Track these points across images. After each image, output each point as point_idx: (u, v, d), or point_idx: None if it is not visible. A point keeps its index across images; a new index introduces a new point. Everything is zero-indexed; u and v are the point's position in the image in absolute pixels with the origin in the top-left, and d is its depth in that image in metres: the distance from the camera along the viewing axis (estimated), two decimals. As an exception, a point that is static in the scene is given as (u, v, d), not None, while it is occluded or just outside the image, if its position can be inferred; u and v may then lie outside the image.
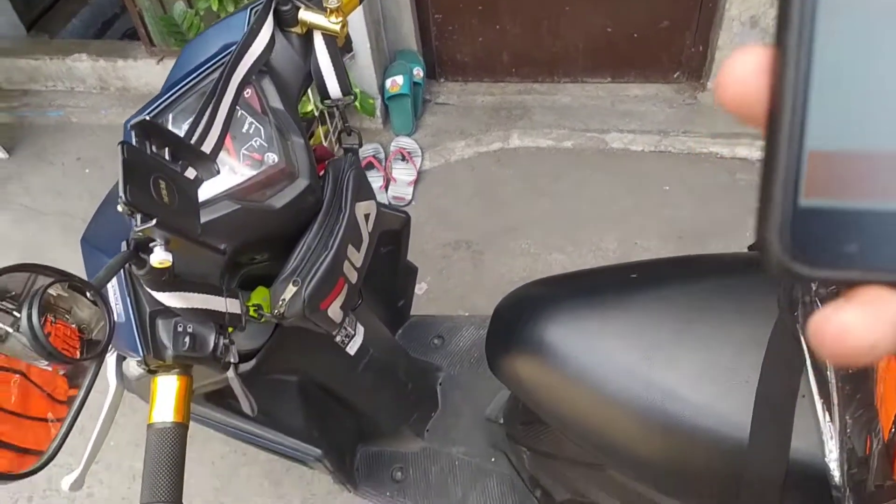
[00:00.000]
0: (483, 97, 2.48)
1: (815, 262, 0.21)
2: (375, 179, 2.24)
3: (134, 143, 0.57)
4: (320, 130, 2.01)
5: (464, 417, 1.40)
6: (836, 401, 0.73)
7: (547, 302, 0.96)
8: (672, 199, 2.10)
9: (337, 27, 0.81)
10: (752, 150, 2.14)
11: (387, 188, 2.23)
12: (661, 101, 2.34)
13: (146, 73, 2.57)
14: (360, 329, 1.14)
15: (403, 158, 2.27)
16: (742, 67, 0.22)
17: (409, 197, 2.22)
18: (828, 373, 0.76)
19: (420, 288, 1.96)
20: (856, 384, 0.72)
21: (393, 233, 1.24)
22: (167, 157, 0.60)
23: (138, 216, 0.54)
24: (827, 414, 0.74)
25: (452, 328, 1.54)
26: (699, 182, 2.13)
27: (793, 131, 0.20)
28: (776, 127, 0.21)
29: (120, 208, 0.54)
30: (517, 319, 0.97)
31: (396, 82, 2.27)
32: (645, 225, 2.04)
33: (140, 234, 0.56)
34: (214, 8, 2.02)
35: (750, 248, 1.04)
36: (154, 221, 0.53)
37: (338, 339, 1.09)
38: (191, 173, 0.63)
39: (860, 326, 0.20)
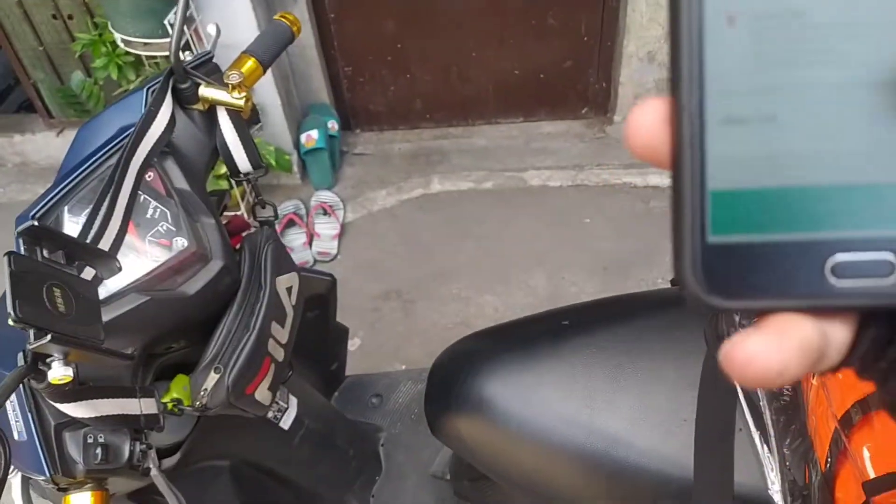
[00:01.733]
0: (400, 145, 2.48)
1: (728, 294, 0.22)
2: (298, 236, 2.19)
3: (23, 250, 0.53)
4: (237, 193, 1.96)
5: (409, 478, 1.36)
6: (772, 432, 0.75)
7: (482, 357, 0.94)
8: (593, 231, 2.15)
9: (241, 102, 0.78)
10: (663, 178, 2.22)
11: (311, 244, 2.19)
12: (572, 136, 2.41)
13: (46, 146, 2.45)
14: (293, 401, 1.10)
15: (325, 213, 2.24)
16: (645, 119, 0.23)
17: (335, 251, 2.18)
18: (761, 405, 0.77)
19: (353, 344, 1.92)
20: (789, 415, 0.73)
21: (320, 297, 1.21)
22: (62, 260, 0.55)
23: (31, 331, 0.49)
24: (765, 446, 0.75)
25: (390, 385, 1.50)
26: (617, 213, 2.19)
27: (694, 174, 0.22)
28: (680, 171, 0.22)
29: (10, 322, 0.50)
30: (454, 378, 0.95)
31: (311, 137, 2.25)
32: (570, 259, 2.07)
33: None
34: (115, 77, 1.95)
35: (672, 282, 1.06)
36: (49, 337, 0.49)
37: (269, 415, 1.04)
38: (89, 273, 0.59)
39: (767, 352, 0.21)
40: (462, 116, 2.48)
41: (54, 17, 2.16)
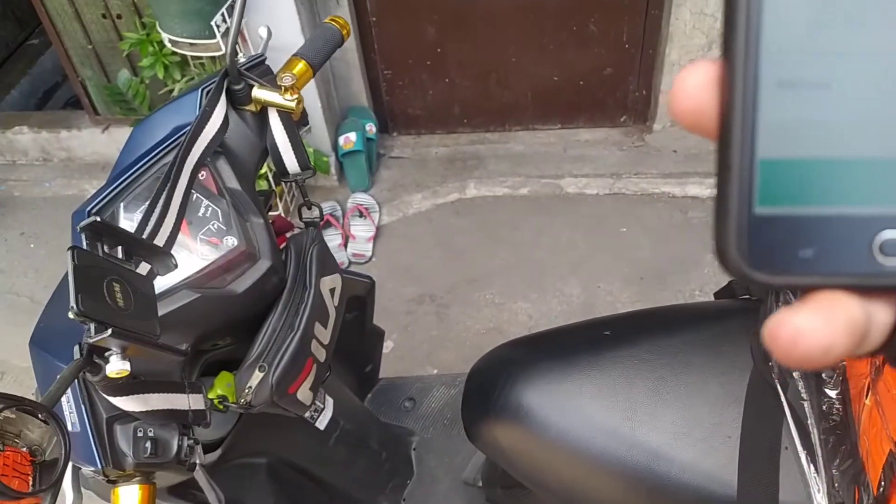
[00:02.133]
0: (437, 149, 2.49)
1: (772, 269, 0.21)
2: (334, 237, 2.21)
3: (84, 245, 0.54)
4: (277, 191, 1.98)
5: (441, 483, 1.36)
6: (819, 453, 0.73)
7: (522, 365, 0.94)
8: (630, 240, 2.13)
9: (293, 104, 0.79)
10: (703, 189, 2.19)
11: (346, 246, 2.21)
12: (610, 144, 2.39)
13: (91, 142, 2.51)
14: (330, 402, 1.10)
15: (361, 215, 2.26)
16: (693, 81, 0.22)
17: (370, 253, 2.19)
18: (808, 423, 0.76)
19: (387, 346, 1.92)
20: (838, 436, 0.72)
21: (358, 298, 1.21)
22: (120, 255, 0.57)
23: (92, 325, 0.51)
24: (812, 466, 0.74)
25: (423, 389, 1.50)
26: (654, 222, 2.16)
27: (744, 141, 0.21)
28: (727, 137, 0.21)
29: (71, 316, 0.51)
30: (493, 385, 0.95)
31: (350, 139, 2.26)
32: (606, 268, 2.06)
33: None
34: (160, 76, 1.99)
35: (716, 294, 1.05)
36: (110, 331, 0.50)
37: (307, 414, 1.05)
38: (144, 268, 0.60)
39: (814, 329, 0.20)
40: (500, 122, 2.47)
41: (104, 16, 2.22)
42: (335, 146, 2.31)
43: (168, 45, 1.90)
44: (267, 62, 0.87)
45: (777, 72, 0.21)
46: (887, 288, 0.21)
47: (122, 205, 0.74)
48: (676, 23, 2.03)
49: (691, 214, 2.16)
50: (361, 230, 2.23)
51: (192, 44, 1.85)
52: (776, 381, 0.79)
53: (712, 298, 1.05)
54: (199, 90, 0.80)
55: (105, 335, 0.50)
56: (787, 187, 0.21)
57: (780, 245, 0.21)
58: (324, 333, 0.87)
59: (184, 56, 1.95)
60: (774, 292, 0.82)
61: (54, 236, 2.36)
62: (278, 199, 2.09)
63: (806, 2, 0.20)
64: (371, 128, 2.36)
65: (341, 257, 2.18)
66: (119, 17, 2.20)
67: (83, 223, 0.54)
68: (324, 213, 2.22)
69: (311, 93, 2.13)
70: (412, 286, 2.09)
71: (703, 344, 0.90)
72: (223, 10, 1.79)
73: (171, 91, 2.02)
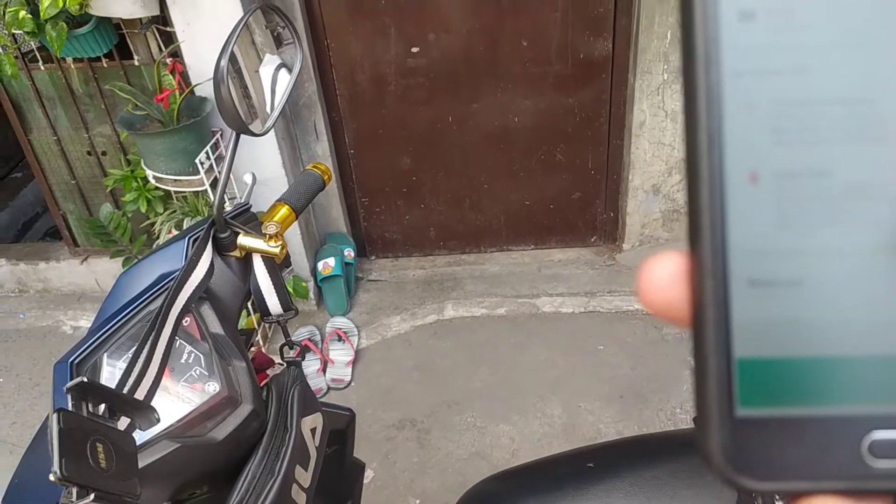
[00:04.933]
0: (414, 272, 2.54)
1: (760, 474, 0.20)
2: (312, 363, 2.19)
3: (70, 405, 0.54)
4: (253, 321, 1.99)
5: None
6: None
7: (507, 501, 0.92)
8: (607, 358, 2.14)
9: (277, 250, 0.83)
10: (675, 305, 2.24)
11: (324, 371, 2.19)
12: (583, 263, 2.46)
13: (69, 273, 2.51)
14: (309, 545, 1.06)
15: (340, 339, 2.25)
16: (661, 274, 0.22)
17: (349, 378, 2.17)
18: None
19: (367, 476, 1.87)
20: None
21: (338, 432, 1.20)
22: (104, 413, 0.57)
23: (74, 489, 0.50)
24: None
25: (405, 524, 1.45)
26: (630, 339, 2.19)
27: (718, 341, 0.20)
28: (702, 337, 0.20)
29: (52, 478, 0.50)
30: (477, 523, 0.93)
31: (328, 264, 2.31)
32: (586, 387, 2.06)
33: (74, 506, 0.51)
34: (143, 210, 2.04)
35: (695, 419, 1.05)
36: (92, 496, 0.49)
37: (285, 560, 1.01)
38: (124, 422, 0.60)
39: None
40: (475, 244, 2.55)
41: (89, 153, 2.29)
42: (314, 271, 2.34)
43: (152, 180, 1.97)
44: (252, 209, 0.91)
45: (747, 271, 0.20)
46: (879, 492, 0.20)
47: (105, 354, 0.74)
48: (637, 151, 2.16)
49: (666, 331, 2.20)
50: (340, 354, 2.22)
51: (175, 180, 1.91)
52: (761, 512, 0.79)
53: (692, 420, 1.06)
54: (186, 239, 0.83)
55: (88, 500, 0.49)
56: (768, 388, 0.20)
57: (765, 449, 0.20)
58: (304, 476, 0.85)
59: (167, 191, 2.01)
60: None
61: (25, 370, 2.30)
62: (256, 325, 2.09)
63: (770, 200, 0.20)
64: (349, 253, 2.41)
65: (320, 383, 2.15)
66: (104, 154, 2.28)
67: (70, 384, 0.54)
68: (295, 337, 2.22)
69: (290, 221, 2.19)
70: (392, 411, 2.06)
71: (686, 474, 0.90)
72: (207, 148, 1.87)
73: (153, 224, 2.06)
